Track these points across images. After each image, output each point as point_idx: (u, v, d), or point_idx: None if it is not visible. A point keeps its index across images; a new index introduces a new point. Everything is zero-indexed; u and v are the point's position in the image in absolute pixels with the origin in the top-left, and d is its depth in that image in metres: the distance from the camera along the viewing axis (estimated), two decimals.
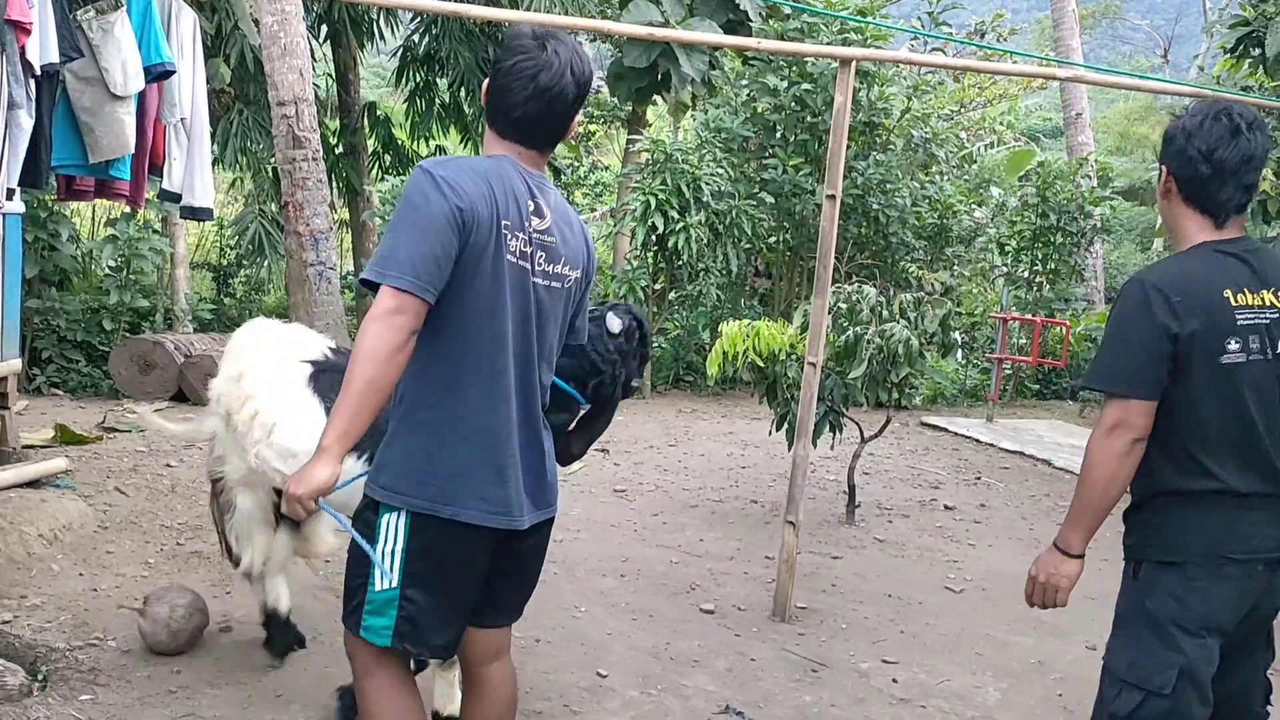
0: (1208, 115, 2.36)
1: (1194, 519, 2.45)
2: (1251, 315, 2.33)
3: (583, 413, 3.01)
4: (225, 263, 12.86)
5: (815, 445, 5.74)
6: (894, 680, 3.95)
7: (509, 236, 2.22)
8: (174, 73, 5.64)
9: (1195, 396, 2.34)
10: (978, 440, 8.65)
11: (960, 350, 11.76)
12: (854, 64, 4.36)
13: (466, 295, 2.19)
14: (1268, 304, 2.36)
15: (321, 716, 3.30)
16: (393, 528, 2.24)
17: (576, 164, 16.31)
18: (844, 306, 5.54)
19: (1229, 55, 7.36)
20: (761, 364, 5.52)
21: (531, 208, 2.28)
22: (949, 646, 4.32)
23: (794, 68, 9.30)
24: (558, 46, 2.26)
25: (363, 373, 2.07)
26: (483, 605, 2.42)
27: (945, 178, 11.21)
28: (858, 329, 5.31)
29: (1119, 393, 2.35)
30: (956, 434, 8.89)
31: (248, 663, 3.63)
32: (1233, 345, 2.32)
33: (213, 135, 11.44)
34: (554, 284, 2.33)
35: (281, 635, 3.68)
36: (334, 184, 12.58)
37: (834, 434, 5.75)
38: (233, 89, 10.36)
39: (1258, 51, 6.94)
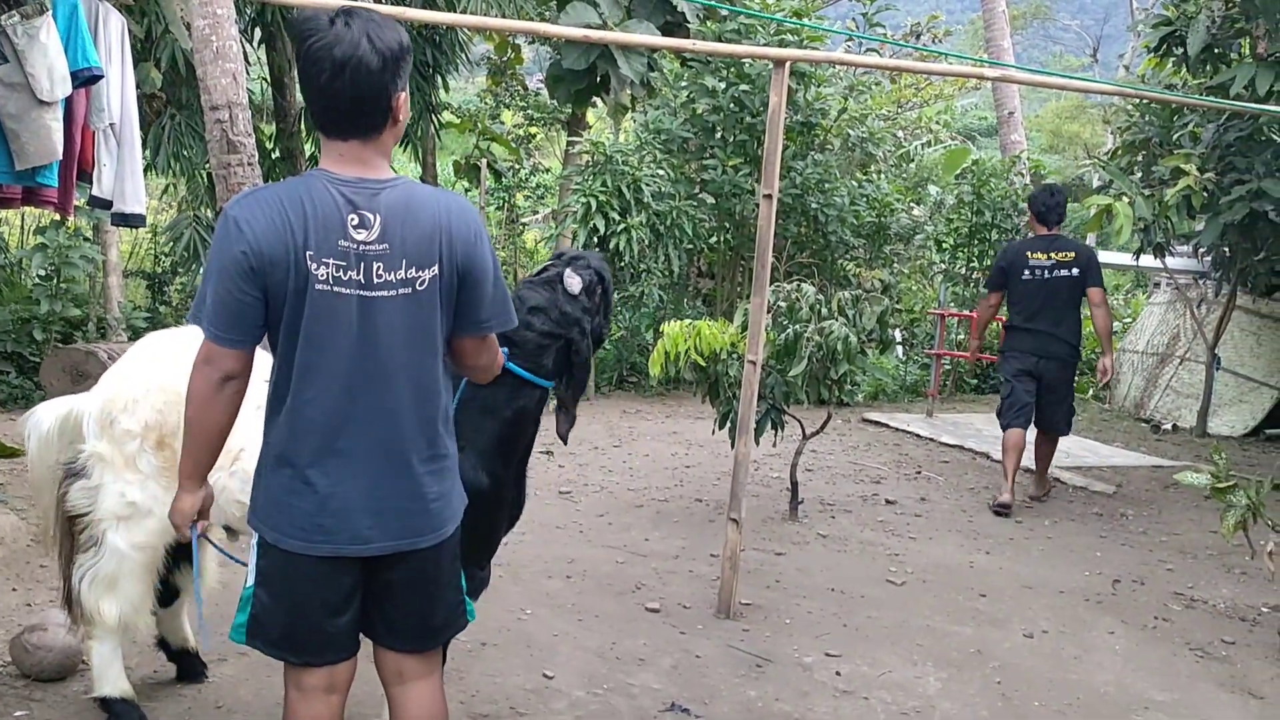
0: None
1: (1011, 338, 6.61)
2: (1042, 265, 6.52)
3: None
4: (160, 270, 12.62)
5: (758, 443, 5.78)
6: (837, 673, 4.00)
7: (315, 265, 2.14)
8: (102, 77, 5.53)
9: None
10: (918, 435, 8.77)
11: (900, 347, 11.94)
12: (788, 65, 4.42)
13: (282, 330, 2.20)
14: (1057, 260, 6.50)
15: None
16: (254, 543, 2.35)
17: (517, 166, 16.25)
18: (784, 305, 5.60)
19: (1153, 54, 7.55)
20: (703, 363, 5.55)
21: (354, 221, 2.16)
22: (891, 638, 4.38)
23: (732, 69, 9.36)
24: (350, 20, 2.15)
25: (189, 415, 2.28)
26: (372, 625, 2.40)
27: (883, 176, 11.37)
28: (797, 327, 5.37)
29: None
30: (897, 429, 9.01)
31: None
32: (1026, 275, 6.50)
33: (144, 140, 11.26)
34: (403, 291, 2.20)
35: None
36: None
37: (776, 432, 5.80)
38: (164, 94, 10.18)
39: (1180, 50, 7.12)
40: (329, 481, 2.23)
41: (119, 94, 5.92)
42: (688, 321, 5.66)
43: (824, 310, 5.53)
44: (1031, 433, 6.73)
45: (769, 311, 5.59)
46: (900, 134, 18.75)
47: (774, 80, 4.37)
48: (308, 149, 13.25)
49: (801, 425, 5.99)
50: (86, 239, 9.44)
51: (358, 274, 2.16)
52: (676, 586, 4.85)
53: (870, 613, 4.66)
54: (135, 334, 10.24)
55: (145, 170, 12.40)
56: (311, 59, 2.15)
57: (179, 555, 3.30)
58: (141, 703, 3.28)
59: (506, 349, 2.76)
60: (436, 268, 2.23)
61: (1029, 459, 6.85)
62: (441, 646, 2.56)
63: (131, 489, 3.06)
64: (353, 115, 2.18)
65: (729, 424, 5.63)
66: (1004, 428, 6.62)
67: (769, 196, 4.37)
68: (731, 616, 4.48)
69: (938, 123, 19.49)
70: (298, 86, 13.99)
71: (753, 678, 3.93)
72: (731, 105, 9.30)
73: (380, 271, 2.18)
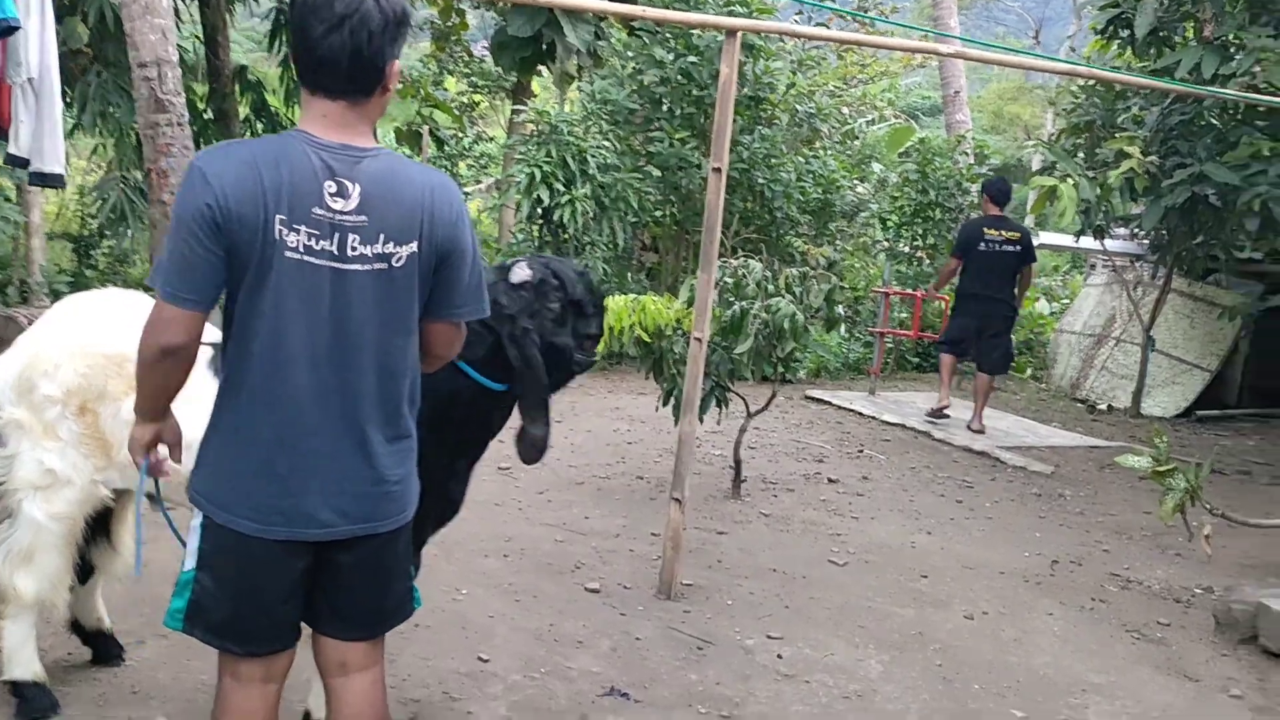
0: None
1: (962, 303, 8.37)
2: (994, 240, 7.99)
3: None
4: (86, 233, 12.22)
5: (701, 421, 5.71)
6: (779, 656, 3.94)
7: (286, 231, 2.01)
8: (18, 29, 5.25)
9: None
10: (860, 413, 8.78)
11: (844, 324, 11.95)
12: (740, 35, 4.30)
13: (242, 296, 2.06)
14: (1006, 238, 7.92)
15: (181, 711, 3.13)
16: (196, 524, 2.19)
17: (460, 135, 15.96)
18: (730, 281, 5.51)
19: (1099, 36, 7.56)
20: (647, 339, 5.45)
21: (332, 189, 2.04)
22: (833, 620, 4.34)
23: (680, 40, 9.22)
24: None
25: (138, 374, 2.16)
26: (317, 612, 2.27)
27: (829, 153, 11.31)
28: (744, 304, 5.28)
29: None
30: (840, 407, 9.01)
31: None
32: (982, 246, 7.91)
33: (69, 98, 10.83)
34: (378, 266, 2.09)
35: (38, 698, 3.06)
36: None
37: (720, 409, 5.73)
38: (91, 49, 9.78)
39: (1126, 33, 7.14)
40: (288, 461, 2.11)
41: (38, 48, 5.63)
42: (632, 296, 5.55)
43: (770, 288, 5.45)
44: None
45: (715, 288, 5.52)
46: (846, 110, 18.77)
47: (725, 51, 4.25)
48: (242, 110, 12.88)
49: (746, 403, 5.93)
50: (8, 199, 9.07)
51: (331, 245, 2.05)
52: (617, 566, 4.76)
53: (813, 593, 4.62)
54: (59, 298, 9.89)
55: (71, 129, 11.97)
56: (312, 6, 2.03)
57: (97, 529, 3.15)
58: (54, 687, 3.12)
59: None
60: (416, 245, 2.13)
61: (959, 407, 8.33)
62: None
63: (50, 456, 2.89)
64: (347, 73, 2.06)
65: (673, 401, 5.55)
66: (945, 352, 8.60)
67: (718, 170, 4.27)
68: (673, 597, 4.41)
69: (882, 100, 19.51)
70: (233, 45, 13.61)
71: (693, 660, 3.86)
72: (679, 77, 9.16)
73: (355, 244, 2.07)
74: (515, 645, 3.85)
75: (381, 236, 2.09)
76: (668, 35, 9.20)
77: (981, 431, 8.16)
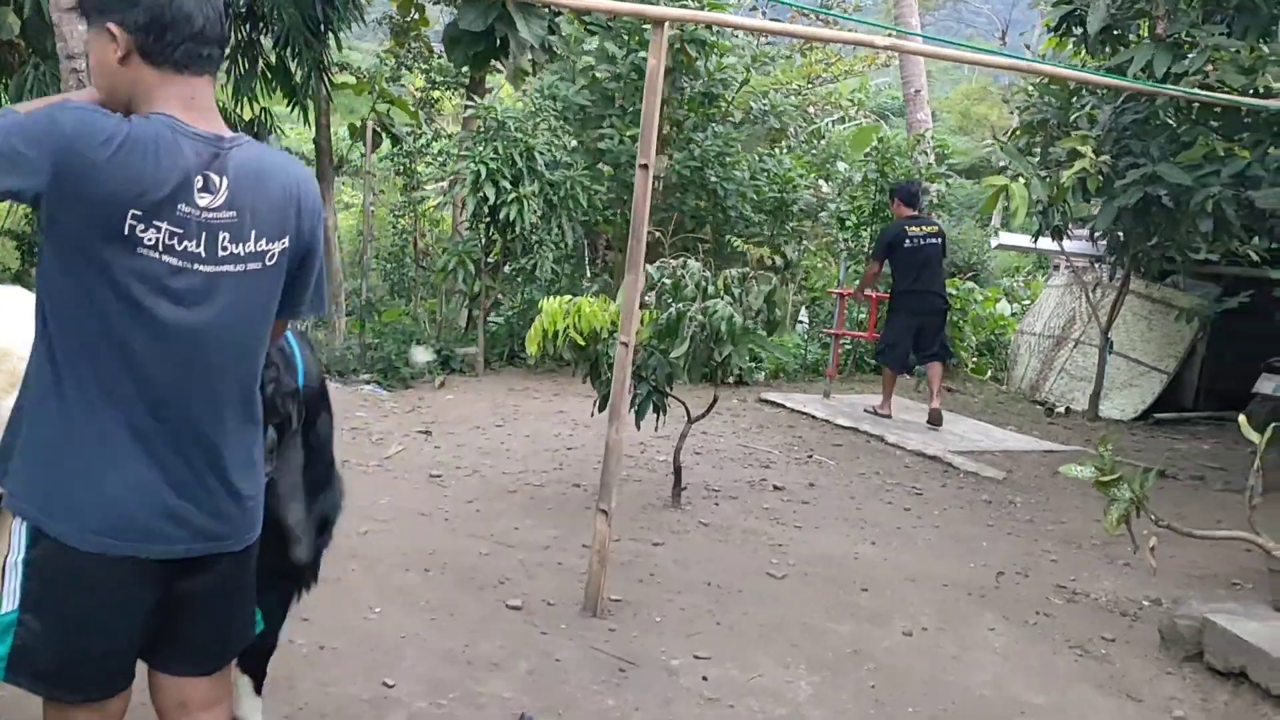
0: None
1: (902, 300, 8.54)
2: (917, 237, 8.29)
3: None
4: (31, 230, 11.90)
5: (638, 427, 5.53)
6: (704, 678, 3.75)
7: (142, 227, 1.79)
8: None
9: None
10: (814, 417, 8.61)
11: (807, 325, 11.79)
12: (667, 25, 4.11)
13: (70, 284, 1.82)
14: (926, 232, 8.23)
15: None
16: (18, 536, 1.90)
17: (418, 131, 15.66)
18: (668, 282, 5.32)
19: (1053, 34, 7.43)
20: (582, 343, 5.25)
21: (199, 184, 1.83)
22: (765, 637, 4.16)
23: (634, 36, 9.02)
24: None
25: None
26: (154, 646, 2.03)
27: (789, 152, 11.15)
28: (680, 306, 5.09)
29: None
30: (793, 410, 8.84)
31: None
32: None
33: (4, 90, 10.49)
34: (250, 266, 1.91)
35: None
36: None
37: (658, 415, 5.53)
38: (24, 41, 9.44)
39: (1080, 30, 7.00)
40: (134, 472, 1.88)
41: None
42: (567, 298, 5.36)
43: (710, 289, 5.26)
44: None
45: (652, 289, 5.33)
46: (811, 110, 18.61)
47: (652, 42, 4.06)
48: None
49: (687, 408, 5.74)
50: None
51: (197, 245, 1.84)
52: (543, 580, 4.56)
53: (746, 609, 4.43)
54: None
55: None
56: None
57: None
58: None
59: None
60: (286, 241, 1.96)
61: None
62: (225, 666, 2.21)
63: None
64: (211, 42, 1.89)
65: (609, 406, 5.35)
66: (885, 364, 8.79)
67: (644, 167, 4.08)
68: (598, 614, 4.21)
69: (851, 100, 19.36)
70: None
71: (614, 684, 3.66)
72: (632, 73, 8.96)
73: (226, 243, 1.88)
74: (424, 668, 3.64)
75: (253, 234, 1.90)
76: (621, 29, 8.99)
77: (938, 409, 8.42)
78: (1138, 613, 4.77)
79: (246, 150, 1.92)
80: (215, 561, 2.00)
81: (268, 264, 1.95)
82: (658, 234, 8.45)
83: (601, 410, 5.45)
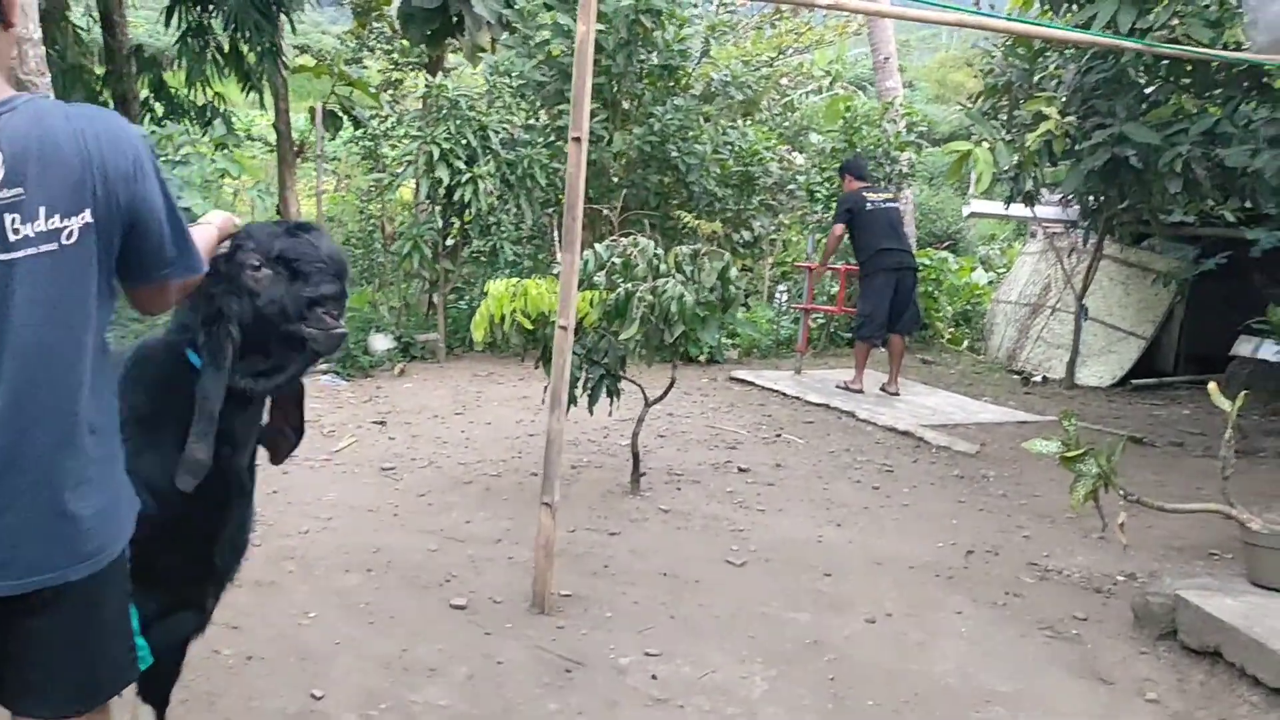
0: None
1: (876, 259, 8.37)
2: (876, 201, 8.44)
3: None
4: None
5: (591, 413, 5.33)
6: (653, 676, 3.56)
7: None
8: None
9: None
10: (784, 394, 8.42)
11: (785, 300, 11.59)
12: None
13: None
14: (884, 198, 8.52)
15: None
16: None
17: (382, 115, 15.36)
18: (618, 261, 5.10)
19: None
20: (530, 327, 5.04)
21: None
22: (721, 630, 3.97)
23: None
24: None
25: None
26: (8, 688, 1.81)
27: (760, 125, 10.90)
28: (629, 286, 4.88)
29: None
30: (764, 388, 8.65)
31: None
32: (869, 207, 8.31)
33: None
34: (45, 248, 1.67)
35: None
36: None
37: (613, 399, 5.32)
38: None
39: None
40: None
41: None
42: (514, 280, 5.13)
43: (662, 267, 5.05)
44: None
45: (602, 269, 5.12)
46: (785, 81, 18.33)
47: (581, 5, 3.84)
48: (143, 92, 12.25)
49: (644, 391, 5.53)
50: None
51: None
52: (491, 577, 4.36)
53: (702, 599, 4.24)
54: None
55: None
56: None
57: None
58: None
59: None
60: (89, 213, 1.70)
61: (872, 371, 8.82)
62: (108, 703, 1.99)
63: None
64: None
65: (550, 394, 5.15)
66: (863, 339, 8.61)
67: (577, 140, 3.85)
68: (546, 611, 4.02)
69: (827, 71, 19.08)
70: (131, 24, 12.95)
71: (558, 686, 3.47)
72: None
73: (17, 225, 1.64)
74: (357, 677, 3.44)
75: (44, 210, 1.66)
76: (578, 3, 8.70)
77: (896, 394, 8.46)
78: (1111, 589, 4.61)
79: (24, 113, 1.68)
80: (58, 595, 1.76)
81: (65, 243, 1.69)
82: (605, 211, 8.21)
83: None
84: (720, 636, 3.91)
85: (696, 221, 6.31)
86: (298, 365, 2.29)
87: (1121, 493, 4.13)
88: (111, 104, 11.96)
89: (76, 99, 11.12)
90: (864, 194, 8.44)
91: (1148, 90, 6.77)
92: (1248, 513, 4.18)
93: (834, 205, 11.35)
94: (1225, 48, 5.82)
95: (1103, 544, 5.16)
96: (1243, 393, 4.22)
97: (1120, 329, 10.05)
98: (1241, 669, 3.60)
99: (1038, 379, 10.06)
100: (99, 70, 12.18)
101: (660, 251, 5.10)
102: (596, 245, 5.15)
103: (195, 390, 2.16)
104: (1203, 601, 3.86)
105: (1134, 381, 9.74)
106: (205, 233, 2.18)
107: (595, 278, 5.07)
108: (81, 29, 12.25)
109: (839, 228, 8.53)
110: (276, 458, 2.52)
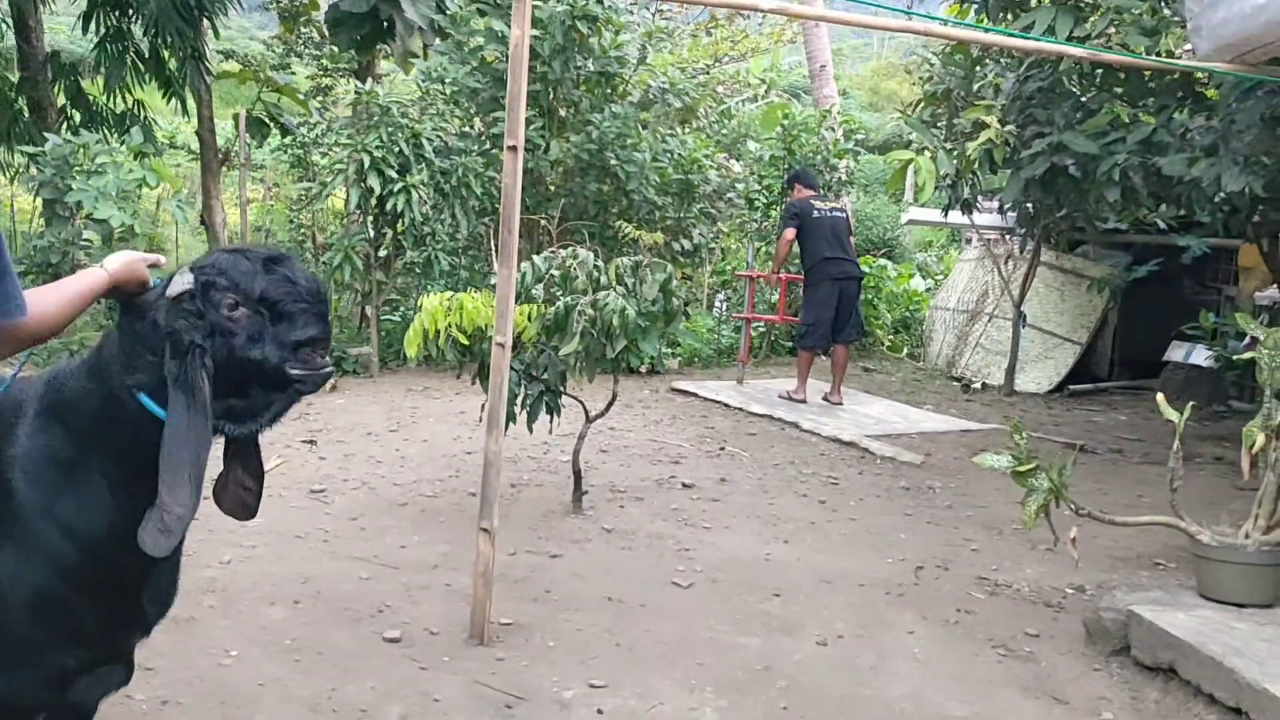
0: None
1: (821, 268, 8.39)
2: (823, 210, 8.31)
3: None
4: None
5: (530, 430, 5.15)
6: (599, 711, 3.39)
7: None
8: None
9: None
10: (727, 405, 8.32)
11: (723, 309, 11.49)
12: None
13: None
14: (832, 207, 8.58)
15: None
16: None
17: (310, 122, 15.02)
18: (557, 274, 4.94)
19: (954, 1, 7.19)
20: (466, 342, 4.85)
21: None
22: (668, 657, 3.82)
23: None
24: None
25: None
26: None
27: (690, 131, 10.80)
28: (568, 300, 4.72)
29: None
30: (706, 399, 8.54)
31: None
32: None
33: None
34: None
35: None
36: (12, 145, 11.03)
37: (552, 416, 5.16)
38: None
39: None
40: None
41: None
42: (448, 294, 4.94)
43: (602, 279, 4.89)
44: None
45: (540, 282, 4.95)
46: (720, 89, 18.31)
47: (515, 8, 3.68)
48: (59, 99, 11.82)
49: (585, 407, 5.37)
50: None
51: None
52: (428, 606, 4.16)
53: (649, 625, 4.08)
54: None
55: None
56: None
57: None
58: None
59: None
60: None
61: (815, 380, 8.81)
62: None
63: None
64: None
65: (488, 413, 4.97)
66: (806, 348, 8.55)
67: (513, 149, 3.68)
68: (485, 643, 3.83)
69: (761, 79, 19.11)
70: (46, 30, 12.48)
71: None
72: None
73: None
74: None
75: None
76: (510, 7, 8.52)
77: (840, 403, 8.46)
78: (1061, 603, 4.55)
79: None
80: None
81: None
82: (543, 221, 8.04)
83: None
84: (668, 664, 3.76)
85: (638, 232, 6.15)
86: (279, 406, 2.12)
87: (1072, 507, 4.06)
88: (26, 112, 11.52)
89: None
90: (812, 202, 8.45)
91: (1084, 99, 6.77)
92: (1195, 524, 4.14)
93: (773, 213, 11.35)
94: (1159, 56, 5.84)
95: (1051, 555, 5.11)
96: (1189, 404, 4.19)
97: (1056, 335, 10.12)
98: (1197, 687, 3.53)
99: (977, 386, 10.08)
100: (13, 78, 11.73)
101: (600, 263, 4.95)
102: (535, 257, 4.98)
103: (165, 436, 1.96)
104: (1155, 617, 3.80)
105: (1071, 387, 9.81)
106: (74, 283, 1.98)
107: (533, 291, 4.90)
108: None
109: (790, 232, 8.48)
110: (245, 513, 2.31)
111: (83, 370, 2.12)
